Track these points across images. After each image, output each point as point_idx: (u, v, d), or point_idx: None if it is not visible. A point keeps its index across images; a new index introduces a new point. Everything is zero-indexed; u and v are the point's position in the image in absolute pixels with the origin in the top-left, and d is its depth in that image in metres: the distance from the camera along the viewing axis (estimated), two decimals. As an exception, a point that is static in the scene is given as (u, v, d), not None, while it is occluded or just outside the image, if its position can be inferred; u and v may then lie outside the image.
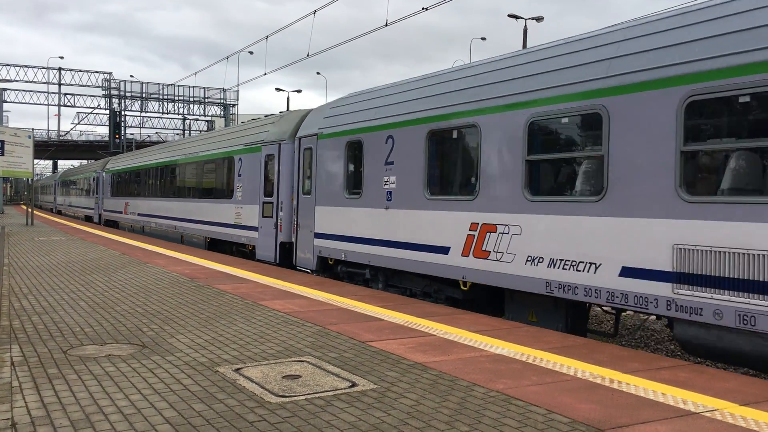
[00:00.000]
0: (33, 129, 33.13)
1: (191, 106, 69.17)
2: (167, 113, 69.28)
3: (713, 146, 6.85)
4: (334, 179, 13.18)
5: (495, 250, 9.19)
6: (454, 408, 4.69)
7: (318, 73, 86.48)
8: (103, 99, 67.45)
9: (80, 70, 67.24)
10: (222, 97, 68.79)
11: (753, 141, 6.46)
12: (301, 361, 5.97)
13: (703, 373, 5.75)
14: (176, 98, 68.06)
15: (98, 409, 4.53)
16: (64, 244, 19.25)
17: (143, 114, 69.03)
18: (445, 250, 10.17)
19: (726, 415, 4.58)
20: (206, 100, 69.00)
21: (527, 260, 8.65)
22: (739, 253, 6.36)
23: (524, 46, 30.86)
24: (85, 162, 72.99)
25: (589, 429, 4.25)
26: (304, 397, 4.88)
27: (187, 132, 67.44)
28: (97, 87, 67.28)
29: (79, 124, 69.89)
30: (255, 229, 16.40)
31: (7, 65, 62.71)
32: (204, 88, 68.81)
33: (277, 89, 61.14)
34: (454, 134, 10.15)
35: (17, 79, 63.62)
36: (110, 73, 66.58)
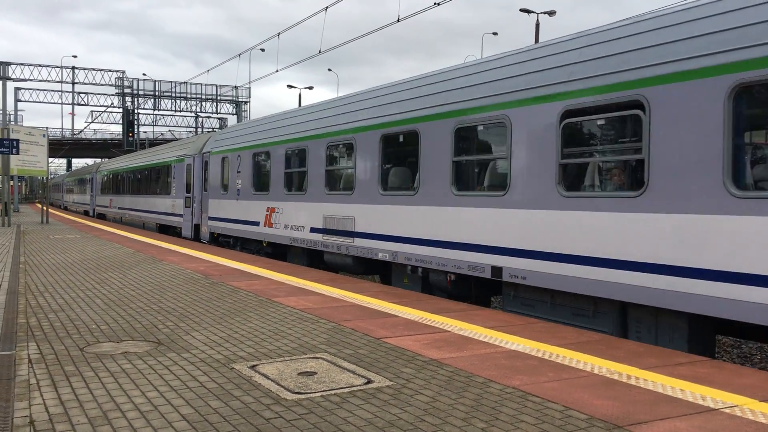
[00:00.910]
0: (47, 128, 33.45)
1: (204, 103, 69.40)
2: (180, 111, 69.55)
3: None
4: (216, 181, 20.00)
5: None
6: (471, 404, 4.66)
7: (329, 69, 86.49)
8: (116, 97, 67.78)
9: (93, 69, 67.58)
10: (234, 94, 68.95)
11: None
12: (316, 357, 5.97)
13: (722, 368, 5.69)
14: (189, 96, 68.30)
15: (115, 407, 4.55)
16: (78, 242, 19.38)
17: (156, 112, 69.30)
18: (256, 224, 16.97)
19: (746, 411, 4.53)
20: (218, 98, 69.20)
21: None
22: None
23: (536, 40, 30.66)
24: (92, 162, 74.19)
25: (607, 425, 4.22)
26: (319, 394, 4.87)
27: (200, 129, 67.68)
28: (111, 85, 67.57)
29: (92, 122, 70.36)
30: (181, 215, 23.38)
31: (21, 64, 63.04)
32: (216, 85, 68.98)
33: (289, 86, 61.20)
34: (296, 151, 15.31)
35: (31, 78, 64.06)
36: (123, 72, 66.86)
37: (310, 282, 11.01)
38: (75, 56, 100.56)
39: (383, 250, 11.77)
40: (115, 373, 5.39)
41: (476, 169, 10.26)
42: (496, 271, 9.23)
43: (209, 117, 70.65)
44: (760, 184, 6.43)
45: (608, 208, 7.67)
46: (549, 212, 8.45)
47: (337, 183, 13.75)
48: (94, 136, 76.25)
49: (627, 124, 7.85)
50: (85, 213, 48.24)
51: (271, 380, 5.23)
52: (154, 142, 64.85)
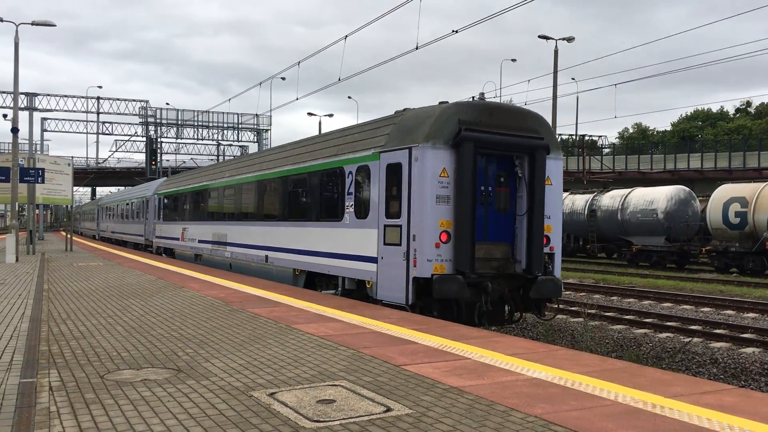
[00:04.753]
0: (72, 157, 34.04)
1: (225, 131, 70.19)
2: (202, 139, 70.39)
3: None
4: (159, 213, 30.71)
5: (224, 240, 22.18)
6: (492, 434, 4.59)
7: (349, 97, 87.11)
8: (139, 126, 68.85)
9: (118, 99, 68.79)
10: (255, 122, 69.68)
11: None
12: (336, 385, 5.93)
13: (749, 397, 5.56)
14: (211, 125, 69.15)
15: (134, 434, 4.54)
16: (101, 270, 19.55)
17: (179, 140, 70.20)
18: (176, 239, 27.24)
19: (775, 441, 4.41)
20: (240, 126, 69.96)
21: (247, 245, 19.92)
22: None
23: (555, 66, 30.77)
24: (115, 190, 75.69)
25: (631, 456, 4.12)
26: (338, 422, 4.83)
27: (221, 157, 68.41)
28: (134, 115, 68.69)
29: (116, 151, 71.38)
30: (142, 235, 34.81)
31: (48, 95, 64.38)
32: (238, 114, 69.82)
33: (309, 114, 61.71)
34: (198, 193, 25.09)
35: (57, 108, 65.30)
36: (147, 101, 67.97)
37: (329, 309, 10.98)
38: (100, 87, 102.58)
39: (249, 255, 19.15)
40: (134, 401, 5.40)
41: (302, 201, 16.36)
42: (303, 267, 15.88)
43: (231, 145, 71.43)
44: (358, 216, 13.31)
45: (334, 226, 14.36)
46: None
47: (221, 212, 22.11)
48: (117, 165, 77.32)
49: (349, 180, 13.72)
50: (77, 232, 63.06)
51: (290, 408, 5.19)
52: (176, 171, 65.60)
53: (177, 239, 26.97)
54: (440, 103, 12.37)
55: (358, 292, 13.36)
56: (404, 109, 13.23)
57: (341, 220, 13.86)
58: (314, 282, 15.44)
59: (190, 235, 25.07)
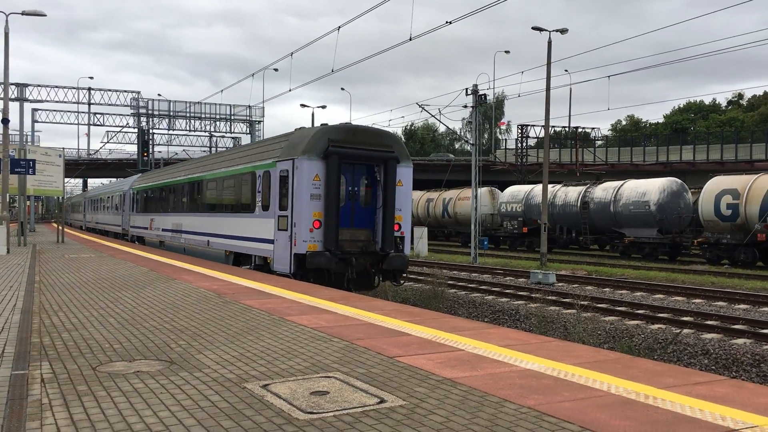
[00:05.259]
0: (63, 148, 33.76)
1: (218, 123, 69.89)
2: (194, 131, 70.08)
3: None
4: (134, 205, 34.81)
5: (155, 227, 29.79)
6: (485, 425, 4.59)
7: (342, 89, 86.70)
8: (131, 118, 68.48)
9: (109, 90, 68.38)
10: (248, 114, 69.41)
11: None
12: (329, 377, 5.92)
13: (741, 388, 5.58)
14: (203, 116, 68.84)
15: (127, 426, 4.52)
16: (93, 261, 19.48)
17: (171, 132, 69.87)
18: (146, 228, 32.10)
19: (767, 431, 4.44)
20: (232, 117, 69.68)
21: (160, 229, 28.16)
22: None
23: (549, 58, 30.68)
24: (107, 181, 75.78)
25: (624, 447, 4.14)
26: (332, 414, 4.82)
27: (213, 149, 68.16)
28: (126, 106, 68.31)
29: (108, 142, 70.99)
30: (119, 225, 39.20)
31: (39, 86, 63.91)
32: (230, 105, 69.50)
33: (302, 105, 61.49)
34: (165, 190, 28.76)
35: (48, 99, 64.87)
36: (138, 92, 67.59)
37: (322, 300, 10.98)
38: (91, 77, 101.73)
39: (196, 240, 23.48)
40: (127, 393, 5.38)
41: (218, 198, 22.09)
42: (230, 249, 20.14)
43: (223, 136, 71.17)
44: (263, 209, 17.28)
45: (247, 216, 18.50)
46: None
47: (177, 205, 26.44)
48: (109, 156, 76.91)
49: (258, 181, 17.85)
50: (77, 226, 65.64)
51: (284, 400, 5.19)
52: (168, 162, 65.39)
53: (146, 228, 31.78)
54: (321, 125, 16.37)
55: (266, 267, 17.19)
56: (300, 127, 17.65)
57: (254, 213, 18.04)
58: (240, 261, 19.48)
59: (156, 225, 29.98)
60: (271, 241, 16.68)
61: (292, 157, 15.84)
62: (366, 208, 16.44)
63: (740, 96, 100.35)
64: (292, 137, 16.75)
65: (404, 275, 17.24)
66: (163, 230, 28.39)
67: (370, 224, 16.39)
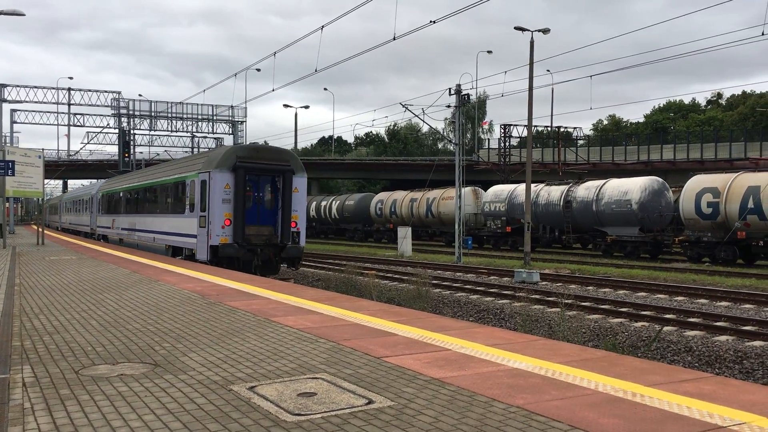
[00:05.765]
0: (43, 149, 33.32)
1: (200, 123, 69.43)
2: (176, 131, 69.58)
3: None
4: (100, 207, 40.04)
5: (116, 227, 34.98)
6: (474, 424, 4.58)
7: (325, 89, 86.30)
8: (112, 118, 67.85)
9: (90, 90, 67.70)
10: (230, 114, 69.01)
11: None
12: (316, 378, 5.88)
13: (727, 385, 5.62)
14: (185, 116, 68.35)
15: (111, 430, 4.45)
16: (74, 263, 19.26)
17: (152, 132, 69.30)
18: (109, 227, 37.31)
19: (754, 428, 4.46)
20: (215, 118, 69.24)
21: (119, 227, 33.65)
22: None
23: (531, 58, 30.77)
24: (88, 183, 75.56)
25: (614, 445, 4.13)
26: (320, 415, 4.78)
27: (196, 150, 67.71)
28: (107, 106, 67.65)
29: (88, 143, 70.22)
30: (88, 225, 43.64)
31: (18, 86, 63.14)
32: (213, 105, 69.07)
33: (285, 105, 61.31)
34: (130, 194, 32.51)
35: (27, 99, 64.10)
36: (119, 92, 66.98)
37: (308, 301, 10.92)
38: (71, 77, 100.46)
39: (146, 237, 27.76)
40: (111, 396, 5.30)
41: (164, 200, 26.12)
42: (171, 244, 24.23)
43: (206, 137, 70.73)
44: (190, 210, 21.97)
45: (179, 216, 23.06)
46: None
47: (132, 207, 30.97)
48: (90, 157, 76.10)
49: (187, 188, 22.39)
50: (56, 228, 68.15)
51: (271, 402, 5.14)
52: (149, 163, 64.93)
53: (109, 228, 36.76)
54: (234, 144, 22.17)
55: (192, 258, 21.16)
56: (219, 146, 24.04)
57: (184, 213, 22.44)
58: (176, 253, 23.43)
59: (116, 225, 34.87)
60: (194, 236, 21.11)
61: (208, 170, 20.48)
62: (269, 209, 21.14)
63: (719, 95, 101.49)
64: (211, 154, 22.18)
65: (300, 261, 22.38)
66: (122, 229, 33.09)
67: (273, 222, 21.03)
